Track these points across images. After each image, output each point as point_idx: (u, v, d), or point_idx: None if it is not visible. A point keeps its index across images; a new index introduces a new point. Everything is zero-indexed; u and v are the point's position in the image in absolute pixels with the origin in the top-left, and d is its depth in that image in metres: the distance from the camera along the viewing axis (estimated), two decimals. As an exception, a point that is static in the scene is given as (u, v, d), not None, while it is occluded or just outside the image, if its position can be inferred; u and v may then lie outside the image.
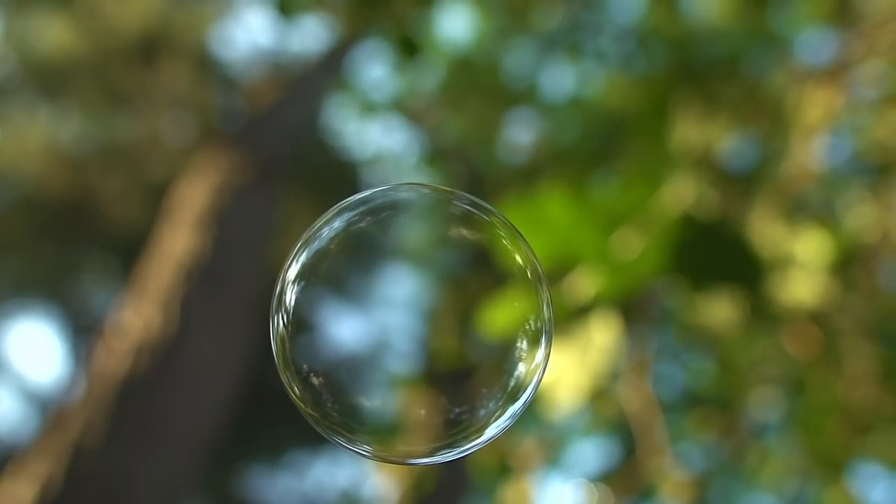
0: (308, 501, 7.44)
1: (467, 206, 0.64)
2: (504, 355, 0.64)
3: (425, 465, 0.64)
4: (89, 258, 6.55)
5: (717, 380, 2.14)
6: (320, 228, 0.64)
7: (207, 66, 6.22)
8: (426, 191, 0.66)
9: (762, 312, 1.58)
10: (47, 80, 6.13)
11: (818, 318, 1.97)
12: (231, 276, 3.78)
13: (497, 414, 0.61)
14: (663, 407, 3.25)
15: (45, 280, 6.59)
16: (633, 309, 1.69)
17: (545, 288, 0.64)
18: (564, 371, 1.41)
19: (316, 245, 0.64)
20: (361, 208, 0.65)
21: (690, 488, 1.91)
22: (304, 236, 0.64)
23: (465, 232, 0.65)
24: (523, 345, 0.63)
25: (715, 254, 1.28)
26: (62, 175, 6.07)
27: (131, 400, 3.18)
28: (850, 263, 2.00)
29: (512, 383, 0.62)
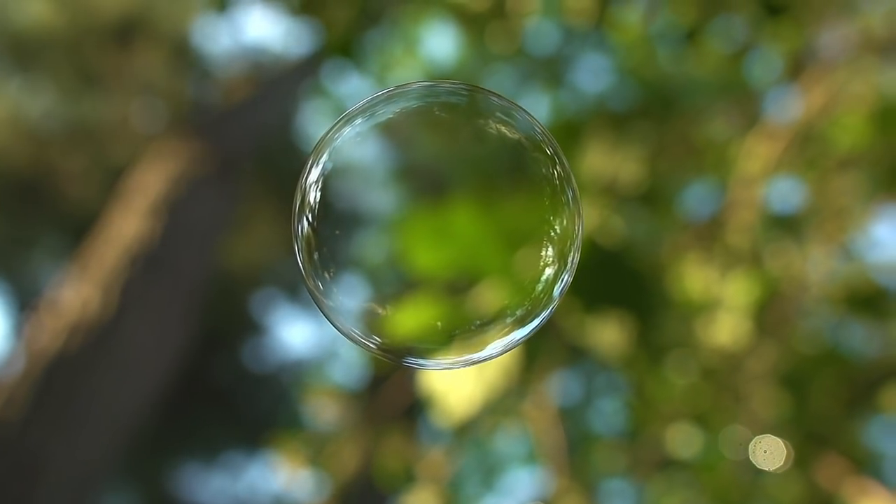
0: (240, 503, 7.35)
1: (499, 102, 0.62)
2: (526, 274, 0.63)
3: (418, 367, 0.63)
4: (43, 236, 6.46)
5: (629, 412, 2.18)
6: (339, 129, 0.61)
7: (185, 56, 6.21)
8: (451, 86, 0.64)
9: (651, 342, 1.62)
10: (21, 53, 6.08)
11: (730, 359, 2.02)
12: (176, 267, 3.75)
13: (501, 333, 0.61)
14: (594, 438, 3.30)
15: (-4, 253, 6.49)
16: (544, 329, 1.72)
17: (577, 201, 0.60)
18: (460, 381, 1.44)
19: (339, 141, 0.61)
20: (382, 108, 0.62)
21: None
22: (320, 139, 0.62)
23: (502, 128, 0.62)
24: (547, 254, 0.60)
25: (611, 279, 1.31)
26: (25, 149, 6.00)
27: (58, 378, 3.15)
28: (765, 309, 2.06)
29: (525, 305, 0.61)
